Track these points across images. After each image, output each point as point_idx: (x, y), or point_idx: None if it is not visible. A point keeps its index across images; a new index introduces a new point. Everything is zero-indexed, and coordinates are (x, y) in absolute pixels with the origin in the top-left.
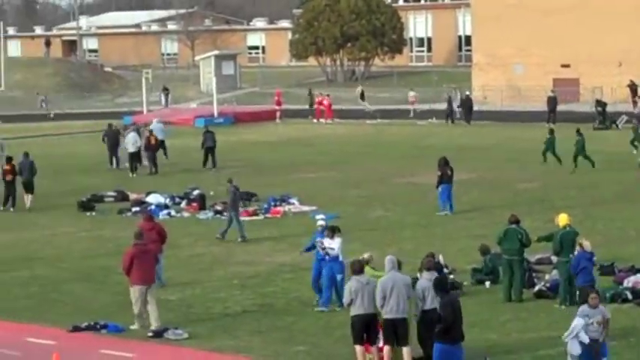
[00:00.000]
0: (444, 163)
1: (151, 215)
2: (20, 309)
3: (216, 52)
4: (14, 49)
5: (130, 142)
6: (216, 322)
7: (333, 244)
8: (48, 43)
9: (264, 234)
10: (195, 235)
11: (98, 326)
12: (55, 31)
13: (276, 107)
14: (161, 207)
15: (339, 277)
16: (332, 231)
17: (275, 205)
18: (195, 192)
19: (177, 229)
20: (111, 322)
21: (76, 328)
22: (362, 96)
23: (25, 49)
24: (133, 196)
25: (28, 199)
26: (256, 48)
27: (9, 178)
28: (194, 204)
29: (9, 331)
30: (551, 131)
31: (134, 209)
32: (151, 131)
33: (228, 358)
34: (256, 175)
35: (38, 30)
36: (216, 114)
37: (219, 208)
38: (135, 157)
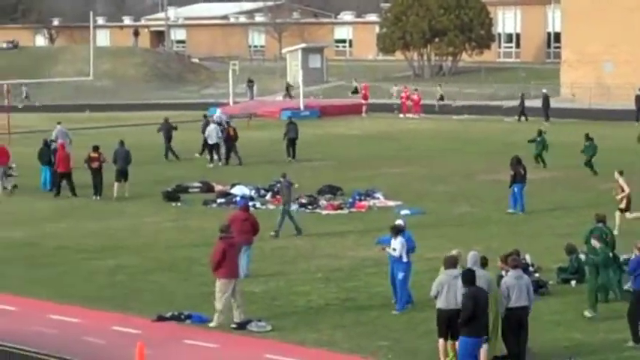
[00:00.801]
0: (517, 162)
1: (247, 206)
2: (106, 298)
3: (303, 44)
4: (103, 39)
5: (213, 134)
6: (300, 315)
7: (395, 245)
8: (136, 34)
9: (349, 228)
10: None
11: (182, 316)
12: (143, 22)
13: (363, 101)
14: (246, 199)
15: (400, 275)
16: (395, 231)
17: (360, 200)
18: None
19: (261, 221)
20: (195, 313)
21: (161, 318)
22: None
23: (113, 39)
24: (218, 187)
25: (122, 187)
26: (343, 41)
27: (95, 165)
28: (279, 196)
29: (95, 320)
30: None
31: (219, 200)
32: (228, 123)
33: (310, 352)
34: (341, 168)
35: (127, 20)
36: (302, 107)
37: (303, 200)
38: (215, 149)
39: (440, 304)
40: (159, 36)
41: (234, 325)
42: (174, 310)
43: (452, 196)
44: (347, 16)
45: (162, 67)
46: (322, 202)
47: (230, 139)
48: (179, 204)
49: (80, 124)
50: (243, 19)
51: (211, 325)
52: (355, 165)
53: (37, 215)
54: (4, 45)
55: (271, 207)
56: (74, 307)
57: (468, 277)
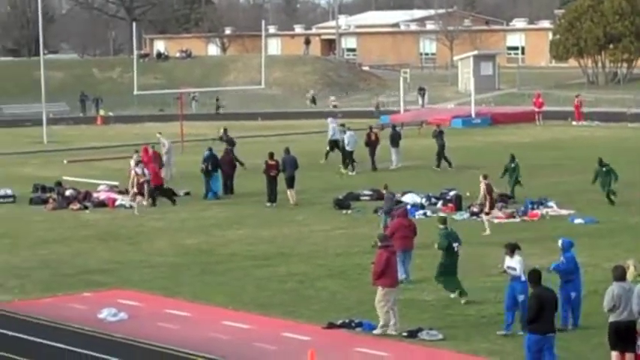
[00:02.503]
0: None
1: (407, 211)
2: (276, 304)
3: (475, 52)
4: (274, 47)
5: (350, 140)
6: (472, 325)
7: (513, 263)
8: (307, 42)
9: (520, 236)
10: None
11: (353, 324)
12: (314, 30)
13: (536, 109)
14: (417, 207)
15: (520, 297)
16: (511, 249)
17: (532, 208)
18: (452, 192)
19: (432, 229)
20: (365, 320)
21: (331, 325)
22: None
23: (284, 47)
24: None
25: (291, 194)
26: (515, 48)
27: (273, 173)
28: (450, 204)
29: (266, 326)
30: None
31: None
32: (371, 128)
33: None
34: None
35: (298, 29)
36: (473, 114)
37: (475, 209)
38: (350, 156)
39: (616, 317)
40: (329, 44)
41: (405, 333)
42: (345, 317)
43: (626, 205)
44: (519, 22)
45: (333, 76)
46: (494, 210)
47: (371, 143)
48: (349, 212)
49: (252, 131)
50: (414, 26)
51: (375, 332)
52: (528, 173)
53: (207, 222)
54: (178, 54)
55: (442, 215)
56: (246, 313)
57: (534, 277)
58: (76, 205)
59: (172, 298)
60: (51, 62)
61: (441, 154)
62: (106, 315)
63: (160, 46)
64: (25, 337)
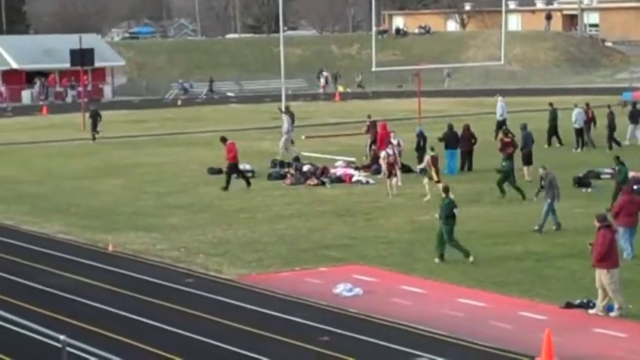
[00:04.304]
0: None
1: (632, 188)
2: (513, 282)
3: None
4: (514, 23)
5: (579, 118)
6: None
7: None
8: (549, 17)
9: None
10: None
11: (591, 304)
12: (555, 5)
13: None
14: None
15: None
16: None
17: None
18: None
19: None
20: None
21: (569, 305)
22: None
23: (525, 23)
24: (631, 173)
25: (527, 170)
26: None
27: (509, 151)
28: None
29: (501, 304)
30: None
31: (636, 187)
32: (587, 104)
33: None
34: None
35: (539, 4)
36: None
37: None
38: (580, 134)
39: None
40: (571, 19)
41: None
42: (583, 297)
43: None
44: None
45: (574, 52)
46: None
47: (589, 121)
48: (590, 190)
49: (489, 108)
50: None
51: (612, 314)
52: None
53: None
54: (417, 30)
55: None
56: (482, 291)
57: None
58: (313, 181)
59: (407, 274)
60: (290, 39)
61: None
62: (341, 290)
63: (398, 22)
64: (264, 310)
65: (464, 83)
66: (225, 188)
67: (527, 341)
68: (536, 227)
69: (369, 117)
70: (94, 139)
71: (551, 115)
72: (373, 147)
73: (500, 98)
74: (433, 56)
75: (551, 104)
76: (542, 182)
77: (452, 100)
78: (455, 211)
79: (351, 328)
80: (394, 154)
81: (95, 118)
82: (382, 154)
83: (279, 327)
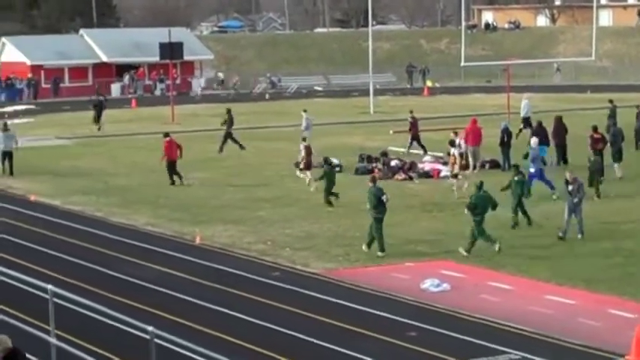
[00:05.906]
0: None
1: None
2: (601, 280)
3: None
4: (605, 18)
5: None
6: None
7: None
8: None
9: None
10: None
11: None
12: None
13: None
14: None
15: None
16: None
17: None
18: None
19: None
20: None
21: None
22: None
23: (616, 18)
24: None
25: (618, 167)
26: None
27: (599, 146)
28: None
29: (589, 301)
30: None
31: None
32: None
33: None
34: None
35: (631, 0)
36: None
37: None
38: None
39: None
40: None
41: None
42: None
43: None
44: None
45: None
46: None
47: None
48: None
49: (580, 104)
50: None
51: None
52: None
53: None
54: (506, 25)
55: None
56: (570, 288)
57: None
58: (401, 176)
59: (496, 270)
60: (379, 33)
61: None
62: (428, 285)
63: (488, 16)
64: (350, 304)
65: (550, 80)
66: (172, 183)
67: (616, 339)
68: (560, 234)
69: (411, 112)
70: (99, 129)
71: (611, 112)
72: (414, 144)
73: (526, 96)
74: (522, 51)
75: (611, 101)
76: (571, 187)
77: (540, 96)
78: (384, 198)
79: (438, 324)
80: (453, 154)
81: (100, 108)
82: (452, 150)
83: (366, 322)
